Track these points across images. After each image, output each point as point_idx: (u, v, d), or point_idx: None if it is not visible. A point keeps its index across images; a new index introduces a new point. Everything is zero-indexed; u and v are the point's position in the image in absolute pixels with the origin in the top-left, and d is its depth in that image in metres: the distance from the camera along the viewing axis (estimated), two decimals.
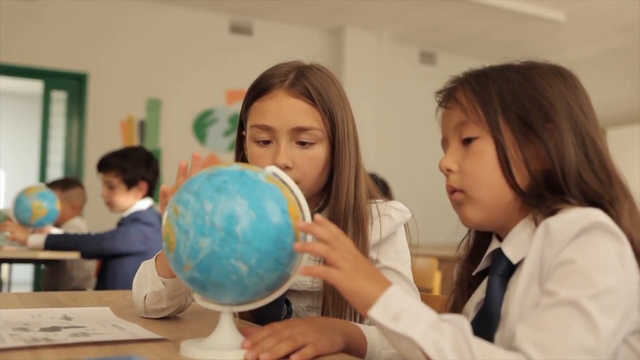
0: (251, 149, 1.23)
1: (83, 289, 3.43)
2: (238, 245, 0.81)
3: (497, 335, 0.88)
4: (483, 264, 1.00)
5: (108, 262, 3.02)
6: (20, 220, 3.19)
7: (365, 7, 5.89)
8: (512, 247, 0.92)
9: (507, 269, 0.92)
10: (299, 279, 1.19)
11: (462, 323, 0.78)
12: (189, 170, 1.06)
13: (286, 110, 1.19)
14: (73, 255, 2.96)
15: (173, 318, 1.20)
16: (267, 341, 0.86)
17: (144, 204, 3.07)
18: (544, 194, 0.90)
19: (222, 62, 6.05)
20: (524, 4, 5.77)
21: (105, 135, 5.50)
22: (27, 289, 6.37)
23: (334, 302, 1.16)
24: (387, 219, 1.24)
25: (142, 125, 5.74)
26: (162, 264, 1.15)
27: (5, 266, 3.86)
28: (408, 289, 1.22)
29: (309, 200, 0.92)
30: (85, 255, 3.01)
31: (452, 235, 1.08)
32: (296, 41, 6.26)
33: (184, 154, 5.71)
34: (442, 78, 1.04)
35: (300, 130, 1.19)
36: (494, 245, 0.97)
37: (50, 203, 3.21)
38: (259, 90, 1.22)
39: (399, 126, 6.82)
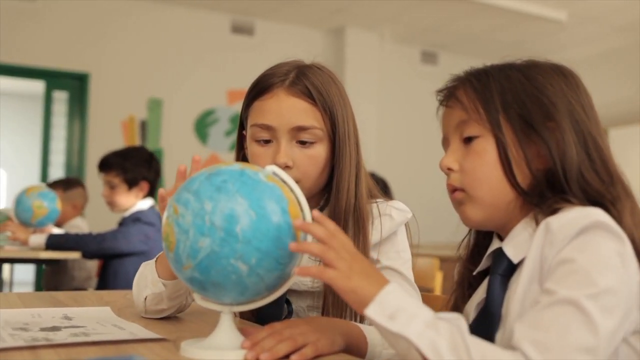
0: (251, 148, 1.23)
1: (84, 289, 3.43)
2: (238, 245, 0.81)
3: (498, 335, 0.88)
4: (484, 264, 0.99)
5: (109, 262, 3.02)
6: (21, 220, 3.19)
7: (366, 6, 5.89)
8: (513, 247, 0.92)
9: (508, 269, 0.92)
10: (300, 279, 1.19)
11: (459, 321, 0.78)
12: (188, 174, 1.05)
13: (286, 109, 1.19)
14: (74, 255, 2.96)
15: (173, 318, 1.20)
16: (267, 341, 0.85)
17: (145, 203, 3.07)
18: (545, 193, 0.90)
19: (224, 62, 6.05)
20: (525, 3, 5.76)
21: (107, 135, 5.51)
22: (29, 289, 6.38)
23: (334, 302, 1.15)
24: (388, 218, 1.24)
25: (143, 125, 5.74)
26: (162, 266, 1.15)
27: (6, 266, 3.86)
28: (409, 289, 1.21)
29: (309, 199, 0.92)
30: (87, 255, 3.01)
31: (453, 235, 1.08)
32: (297, 41, 6.26)
33: (185, 154, 5.71)
34: (443, 78, 1.04)
35: (301, 129, 1.19)
36: (495, 244, 0.97)
37: (50, 203, 3.21)
38: (260, 89, 1.22)
39: (400, 126, 6.82)
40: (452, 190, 0.97)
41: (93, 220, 4.74)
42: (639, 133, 6.37)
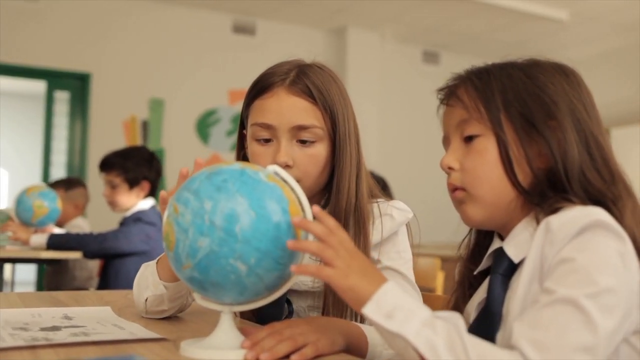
0: (252, 147, 1.23)
1: (86, 289, 3.43)
2: (237, 245, 0.80)
3: (499, 335, 0.87)
4: (484, 264, 0.99)
5: (110, 262, 3.02)
6: (22, 220, 3.19)
7: (367, 6, 5.89)
8: (513, 246, 0.91)
9: (508, 268, 0.91)
10: (300, 279, 1.19)
11: (456, 320, 0.78)
12: (190, 176, 1.05)
13: (287, 108, 1.18)
14: (75, 255, 2.96)
15: (173, 318, 1.20)
16: (267, 341, 0.85)
17: (146, 203, 3.07)
18: (546, 193, 0.90)
19: (225, 62, 6.05)
20: (527, 3, 5.76)
21: (108, 135, 5.51)
22: (31, 288, 6.38)
23: (334, 302, 1.15)
24: (389, 218, 1.23)
25: (145, 125, 5.74)
26: (163, 268, 1.15)
27: (8, 266, 3.86)
28: (409, 289, 1.21)
29: (310, 199, 0.91)
30: (88, 255, 3.01)
31: (453, 234, 1.07)
32: (299, 41, 6.25)
33: (186, 154, 5.73)
34: (445, 78, 1.03)
35: (301, 128, 1.18)
36: (496, 244, 0.96)
37: (51, 202, 3.21)
38: (260, 88, 1.22)
39: (401, 126, 6.81)
40: (453, 189, 0.96)
41: (94, 220, 4.74)
42: None
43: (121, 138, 5.59)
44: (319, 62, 1.27)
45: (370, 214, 1.22)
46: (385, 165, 6.24)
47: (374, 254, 1.21)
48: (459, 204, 0.96)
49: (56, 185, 3.79)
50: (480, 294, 0.97)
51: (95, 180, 4.24)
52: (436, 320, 0.77)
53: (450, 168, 0.96)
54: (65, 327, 1.02)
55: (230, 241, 0.80)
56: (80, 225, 3.69)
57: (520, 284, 0.86)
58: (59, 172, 5.47)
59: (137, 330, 1.01)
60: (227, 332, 0.89)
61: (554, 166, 0.89)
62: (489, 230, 1.00)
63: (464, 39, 6.72)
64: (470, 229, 1.04)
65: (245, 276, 0.82)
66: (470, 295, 1.01)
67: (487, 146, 0.92)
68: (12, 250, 3.06)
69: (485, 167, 0.92)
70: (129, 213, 3.06)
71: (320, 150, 1.20)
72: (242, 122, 1.29)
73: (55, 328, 1.00)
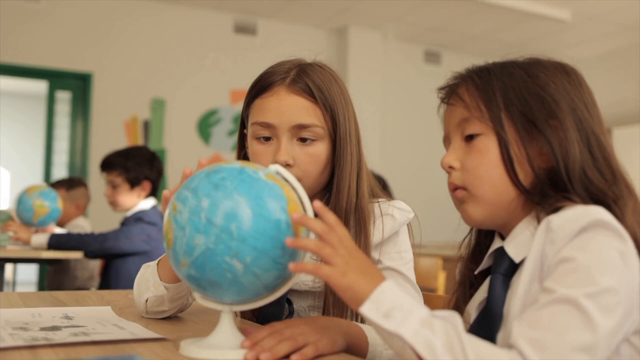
0: (252, 146, 1.22)
1: (87, 289, 3.43)
2: (232, 243, 0.80)
3: (500, 335, 0.87)
4: (485, 263, 0.98)
5: (111, 262, 3.02)
6: (22, 220, 3.18)
7: (369, 6, 5.88)
8: (514, 246, 0.91)
9: (509, 268, 0.91)
10: (301, 279, 1.19)
11: (454, 319, 0.77)
12: None
13: (287, 107, 1.18)
14: (76, 255, 2.96)
15: (174, 317, 1.20)
16: (267, 341, 0.85)
17: (147, 203, 3.07)
18: (547, 192, 0.89)
19: (226, 62, 6.05)
20: (529, 3, 5.75)
21: (110, 135, 5.51)
22: (32, 288, 6.39)
23: (335, 302, 1.15)
24: (390, 218, 1.23)
25: (146, 125, 5.74)
26: (164, 269, 1.14)
27: (9, 266, 3.86)
28: (410, 289, 1.20)
29: (310, 198, 0.91)
30: (89, 255, 3.00)
31: (454, 234, 1.07)
32: (300, 41, 6.25)
33: (188, 154, 5.73)
34: (446, 77, 1.03)
35: (301, 127, 1.18)
36: (497, 243, 0.96)
37: (52, 202, 3.20)
38: (260, 87, 1.21)
39: (403, 125, 6.81)
40: (454, 188, 0.96)
41: (96, 220, 4.75)
42: None
43: (123, 138, 5.59)
44: (319, 61, 1.27)
45: (371, 213, 1.22)
46: (387, 165, 6.25)
47: (375, 254, 1.21)
48: (459, 203, 0.96)
49: (57, 185, 3.79)
50: (481, 293, 0.97)
51: (96, 180, 4.25)
52: (434, 320, 0.77)
53: (451, 167, 0.95)
54: (65, 327, 1.01)
55: (226, 239, 0.80)
56: (81, 225, 3.69)
57: (521, 283, 0.85)
58: (60, 172, 5.48)
59: (138, 330, 1.01)
60: (227, 331, 0.88)
61: (555, 165, 0.89)
62: (490, 229, 0.99)
63: (465, 39, 6.71)
64: (471, 229, 1.03)
65: (242, 275, 0.81)
66: (471, 295, 1.00)
67: (488, 145, 0.92)
68: (13, 250, 3.06)
69: (486, 166, 0.92)
70: (130, 213, 3.06)
71: (321, 149, 1.20)
72: (242, 122, 1.29)
73: (55, 328, 1.00)
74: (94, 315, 1.14)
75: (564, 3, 5.74)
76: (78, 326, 1.02)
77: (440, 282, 2.85)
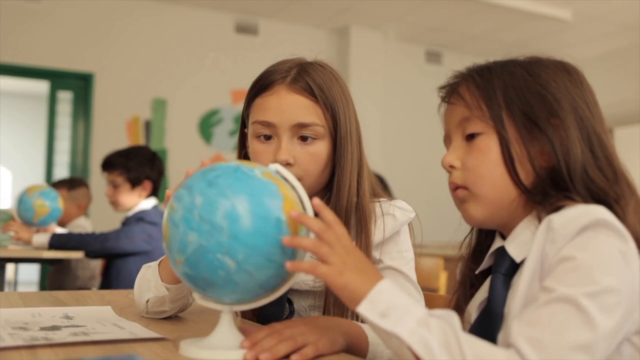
0: (253, 145, 1.22)
1: (88, 289, 3.43)
2: (224, 240, 0.79)
3: (500, 335, 0.87)
4: (486, 263, 0.98)
5: (113, 262, 3.02)
6: (23, 220, 3.18)
7: (370, 6, 5.88)
8: (515, 246, 0.90)
9: (510, 268, 0.90)
10: (301, 278, 1.18)
11: (451, 318, 0.77)
12: None
13: (287, 106, 1.18)
14: (77, 255, 2.96)
15: (174, 317, 1.20)
16: (267, 341, 0.84)
17: (148, 203, 3.07)
18: (548, 191, 0.89)
19: (228, 62, 6.05)
20: (530, 3, 5.75)
21: (111, 135, 5.51)
22: (34, 288, 6.39)
23: (335, 302, 1.14)
24: (391, 218, 1.23)
25: (147, 125, 5.75)
26: (165, 270, 1.14)
27: (10, 266, 3.86)
28: (411, 289, 1.20)
29: (311, 198, 0.91)
30: (90, 255, 3.00)
31: (455, 233, 1.07)
32: (302, 41, 6.25)
33: (189, 154, 5.73)
34: (447, 77, 1.03)
35: (302, 126, 1.18)
36: (497, 243, 0.95)
37: (52, 202, 3.20)
38: (261, 86, 1.21)
39: (404, 125, 6.81)
40: (454, 188, 0.95)
41: (97, 220, 4.75)
42: None
43: (124, 138, 5.60)
44: (320, 60, 1.27)
45: (373, 213, 1.22)
46: (388, 165, 6.24)
47: (376, 254, 1.21)
48: (460, 202, 0.95)
49: (59, 185, 3.79)
50: (482, 293, 0.96)
51: (98, 180, 4.25)
52: (431, 319, 0.76)
53: (451, 167, 0.95)
54: (65, 326, 1.01)
55: (218, 236, 0.80)
56: (82, 225, 3.69)
57: (522, 283, 0.85)
58: (62, 172, 5.48)
59: (137, 330, 1.01)
60: (226, 331, 0.88)
61: (556, 164, 0.89)
62: (491, 229, 0.99)
63: (466, 39, 6.71)
64: (472, 228, 1.03)
65: (235, 272, 0.81)
66: (472, 295, 1.00)
67: (489, 144, 0.91)
68: (14, 250, 3.06)
69: (487, 166, 0.91)
70: (131, 213, 3.06)
71: (321, 148, 1.20)
72: (243, 121, 1.29)
73: (55, 328, 1.00)
74: (94, 315, 1.14)
75: (565, 3, 5.74)
76: (78, 326, 1.02)
77: (442, 282, 2.85)
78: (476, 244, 1.03)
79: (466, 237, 1.04)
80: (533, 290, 0.83)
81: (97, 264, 3.54)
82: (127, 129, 5.67)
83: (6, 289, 3.46)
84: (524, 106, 0.91)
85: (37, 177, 6.91)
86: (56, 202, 3.21)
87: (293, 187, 0.89)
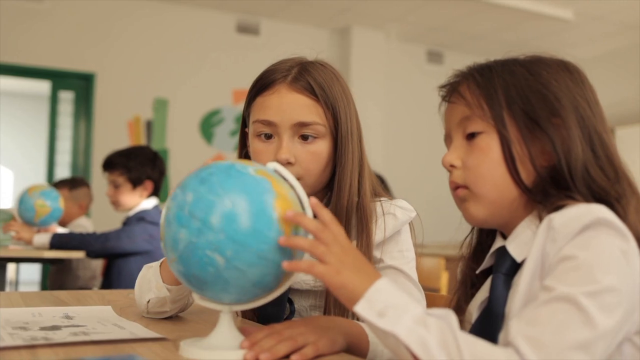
0: (253, 144, 1.22)
1: (89, 288, 3.43)
2: (212, 236, 0.79)
3: (501, 335, 0.86)
4: (487, 263, 0.98)
5: (114, 262, 3.02)
6: (24, 220, 3.18)
7: (372, 6, 5.88)
8: (516, 245, 0.90)
9: (511, 268, 0.90)
10: (301, 278, 1.18)
11: (449, 317, 0.76)
12: None
13: (288, 105, 1.18)
14: (78, 255, 2.96)
15: (174, 317, 1.19)
16: (267, 341, 0.84)
17: (150, 203, 3.07)
18: (549, 191, 0.88)
19: (229, 62, 6.05)
20: (531, 2, 5.74)
21: (113, 135, 5.52)
22: (35, 288, 6.40)
23: (336, 301, 1.14)
24: (392, 217, 1.22)
25: (149, 125, 5.75)
26: (166, 271, 1.14)
27: (11, 265, 3.86)
28: (412, 288, 1.20)
29: (312, 197, 0.90)
30: (91, 255, 3.00)
31: (455, 233, 1.06)
32: (303, 40, 6.24)
33: (190, 154, 5.73)
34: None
35: (303, 125, 1.17)
36: (498, 243, 0.95)
37: (53, 201, 3.20)
38: (262, 85, 1.21)
39: (405, 125, 6.80)
40: (455, 187, 0.95)
41: (98, 219, 4.75)
42: None
43: (125, 138, 5.60)
44: (321, 59, 1.26)
45: (373, 212, 1.21)
46: (389, 165, 6.24)
47: (377, 253, 1.20)
48: (461, 202, 0.95)
49: (60, 185, 3.79)
50: (483, 293, 0.96)
51: (99, 180, 4.24)
52: (429, 318, 0.76)
53: (452, 166, 0.95)
54: (65, 326, 1.01)
55: (206, 232, 0.79)
56: (83, 225, 3.69)
57: (522, 282, 0.84)
58: (63, 172, 5.49)
59: (138, 329, 1.00)
60: (226, 332, 0.88)
61: (557, 164, 0.88)
62: (491, 228, 0.99)
63: (468, 39, 6.70)
64: (472, 228, 1.03)
65: (224, 269, 0.80)
66: (473, 295, 0.99)
67: (490, 144, 0.91)
68: (15, 250, 3.06)
69: (488, 165, 0.91)
70: (132, 213, 3.06)
71: (322, 148, 1.19)
72: (244, 120, 1.28)
73: (55, 327, 0.99)
74: (94, 314, 1.14)
75: (567, 3, 5.73)
76: (78, 326, 1.02)
77: (443, 283, 2.85)
78: (477, 243, 1.03)
79: (467, 236, 1.04)
80: (534, 290, 0.83)
81: (98, 264, 3.54)
82: (129, 129, 5.67)
83: (7, 288, 3.46)
84: (524, 105, 0.90)
85: (38, 177, 6.93)
86: (57, 202, 3.21)
87: (292, 187, 0.88)
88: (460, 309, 0.99)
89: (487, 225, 0.96)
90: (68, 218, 3.65)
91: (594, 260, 0.77)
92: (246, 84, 1.26)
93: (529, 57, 0.96)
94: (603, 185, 0.87)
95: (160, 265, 1.16)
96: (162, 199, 3.25)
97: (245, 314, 1.22)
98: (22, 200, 3.15)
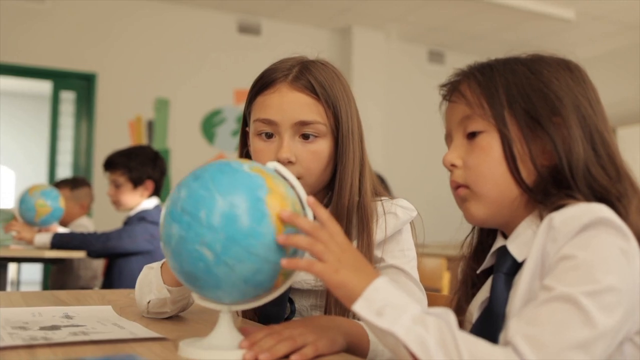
0: (254, 143, 1.22)
1: (90, 288, 3.43)
2: (201, 230, 0.79)
3: (502, 335, 0.86)
4: (488, 262, 0.97)
5: (115, 261, 3.02)
6: (25, 219, 3.18)
7: (373, 6, 5.88)
8: (517, 245, 0.90)
9: (512, 267, 0.90)
10: (302, 277, 1.18)
11: (448, 317, 0.76)
12: None
13: (289, 104, 1.17)
14: (79, 255, 2.96)
15: (174, 317, 1.19)
16: (266, 341, 0.84)
17: (150, 203, 3.07)
18: (550, 190, 0.88)
19: (230, 62, 6.05)
20: (533, 2, 5.73)
21: (114, 135, 5.52)
22: (37, 288, 6.40)
23: (337, 301, 1.13)
24: (393, 217, 1.22)
25: (150, 125, 5.75)
26: (167, 272, 1.14)
27: (13, 265, 3.86)
28: (413, 288, 1.19)
29: (313, 196, 0.90)
30: (91, 255, 3.00)
31: (456, 233, 1.06)
32: (304, 40, 6.24)
33: (192, 154, 5.73)
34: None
35: (303, 124, 1.17)
36: (499, 242, 0.95)
37: (53, 201, 3.19)
38: (263, 84, 1.21)
39: (406, 125, 6.80)
40: (456, 186, 0.95)
41: (99, 219, 4.75)
42: None
43: (127, 138, 5.60)
44: (322, 58, 1.26)
45: (374, 212, 1.21)
46: (390, 164, 6.24)
47: (378, 252, 1.20)
48: (462, 201, 0.95)
49: (61, 184, 3.79)
50: (484, 293, 0.95)
51: (100, 180, 4.24)
52: (427, 317, 0.76)
53: (453, 165, 0.94)
54: (65, 326, 1.01)
55: (195, 226, 0.80)
56: (85, 225, 3.70)
57: (523, 282, 0.84)
58: (65, 172, 5.49)
59: (137, 329, 1.00)
60: (225, 332, 0.87)
61: (558, 163, 0.88)
62: (492, 228, 0.98)
63: (469, 39, 6.70)
64: (473, 227, 1.02)
65: (214, 265, 0.80)
66: (473, 295, 0.99)
67: (491, 143, 0.91)
68: (16, 250, 3.06)
69: (489, 164, 0.90)
70: (133, 212, 3.06)
71: (323, 147, 1.19)
72: (244, 119, 1.28)
73: (54, 327, 0.99)
74: (94, 314, 1.14)
75: (568, 2, 5.72)
76: (78, 325, 1.02)
77: (445, 282, 2.85)
78: (478, 243, 1.02)
79: (467, 236, 1.04)
80: (534, 290, 0.83)
81: (99, 264, 3.54)
82: (130, 129, 5.67)
83: (9, 288, 3.46)
84: (525, 104, 0.90)
85: (40, 177, 6.93)
86: (57, 201, 3.21)
87: (292, 187, 0.88)
88: (461, 309, 0.99)
89: (488, 224, 0.96)
90: (69, 218, 3.65)
91: (594, 259, 0.76)
92: (247, 83, 1.26)
93: (530, 56, 0.96)
94: (604, 185, 0.87)
95: (161, 267, 1.16)
96: (163, 199, 3.25)
97: (246, 314, 1.22)
98: (23, 200, 3.15)
